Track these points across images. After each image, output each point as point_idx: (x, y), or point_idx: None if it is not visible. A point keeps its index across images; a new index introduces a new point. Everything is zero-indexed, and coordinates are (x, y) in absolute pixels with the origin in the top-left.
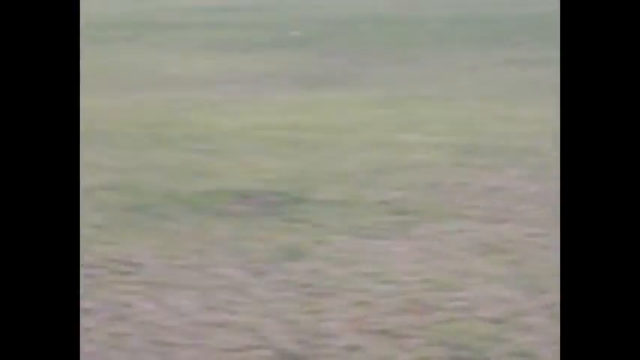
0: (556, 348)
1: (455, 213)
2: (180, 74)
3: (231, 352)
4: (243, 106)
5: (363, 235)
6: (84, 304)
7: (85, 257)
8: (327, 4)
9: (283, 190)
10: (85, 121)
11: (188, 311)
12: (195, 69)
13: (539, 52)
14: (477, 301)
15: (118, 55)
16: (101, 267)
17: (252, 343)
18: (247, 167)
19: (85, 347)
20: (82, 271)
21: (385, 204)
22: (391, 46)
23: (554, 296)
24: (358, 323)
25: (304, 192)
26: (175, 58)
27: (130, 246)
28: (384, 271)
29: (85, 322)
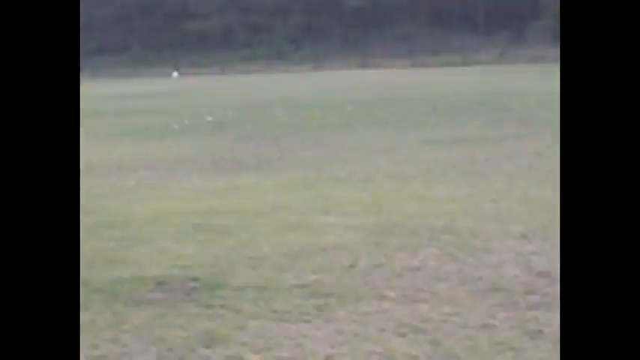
0: None
1: (373, 294)
2: (94, 161)
3: None
4: (158, 193)
5: (282, 319)
6: None
7: None
8: (241, 90)
9: (200, 276)
10: None
11: None
12: (109, 156)
13: (452, 132)
14: None
15: None
16: None
17: None
18: (163, 254)
19: None
20: None
21: (302, 287)
22: (305, 130)
23: None
24: None
25: (221, 277)
26: (89, 145)
27: None
28: (303, 355)
29: None
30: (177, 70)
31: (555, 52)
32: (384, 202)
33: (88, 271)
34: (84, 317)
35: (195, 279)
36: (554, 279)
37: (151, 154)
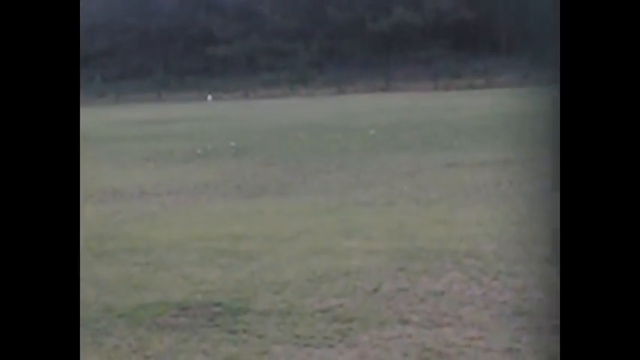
0: None
1: (396, 319)
2: (118, 186)
3: None
4: (181, 218)
5: (305, 344)
6: None
7: None
8: (264, 114)
9: (223, 301)
10: None
11: None
12: (133, 181)
13: (476, 155)
14: None
15: None
16: None
17: None
18: (187, 279)
19: None
20: None
21: (326, 312)
22: (328, 154)
23: None
24: None
25: (244, 302)
26: (113, 170)
27: None
28: None
29: None
30: (210, 93)
31: None
32: (408, 226)
33: (111, 297)
34: (108, 342)
35: (218, 304)
36: None
37: (174, 179)
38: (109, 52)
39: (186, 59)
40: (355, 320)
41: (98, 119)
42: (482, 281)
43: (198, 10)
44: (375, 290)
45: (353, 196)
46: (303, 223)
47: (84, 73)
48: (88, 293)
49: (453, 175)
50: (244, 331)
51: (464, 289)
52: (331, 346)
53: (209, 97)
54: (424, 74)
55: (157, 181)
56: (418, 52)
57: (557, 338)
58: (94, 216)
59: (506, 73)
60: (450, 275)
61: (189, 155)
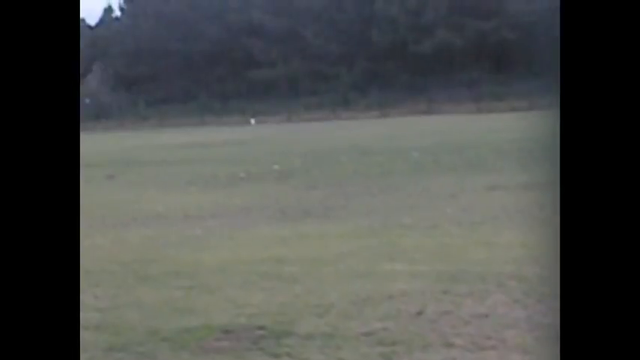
0: None
1: (440, 342)
2: (162, 210)
3: None
4: (224, 241)
5: None
6: None
7: None
8: (307, 137)
9: (267, 325)
10: None
11: None
12: (176, 205)
13: (518, 177)
14: None
15: (100, 193)
16: None
17: None
18: (230, 302)
19: None
20: None
21: (369, 335)
22: (371, 177)
23: None
24: None
25: (288, 325)
26: (157, 194)
27: None
28: None
29: None
30: (253, 117)
31: None
32: (451, 249)
33: (155, 320)
34: None
35: (261, 327)
36: None
37: (217, 202)
38: (152, 77)
39: (229, 83)
40: (399, 343)
41: (142, 143)
42: (526, 304)
43: (240, 34)
44: (419, 313)
45: (396, 219)
46: (346, 246)
47: (128, 98)
48: (132, 317)
49: (496, 198)
50: (288, 354)
51: (508, 311)
52: None
53: (252, 121)
54: (466, 96)
55: (200, 204)
56: (460, 74)
57: None
58: (137, 239)
59: (550, 95)
60: (494, 298)
61: (232, 179)
